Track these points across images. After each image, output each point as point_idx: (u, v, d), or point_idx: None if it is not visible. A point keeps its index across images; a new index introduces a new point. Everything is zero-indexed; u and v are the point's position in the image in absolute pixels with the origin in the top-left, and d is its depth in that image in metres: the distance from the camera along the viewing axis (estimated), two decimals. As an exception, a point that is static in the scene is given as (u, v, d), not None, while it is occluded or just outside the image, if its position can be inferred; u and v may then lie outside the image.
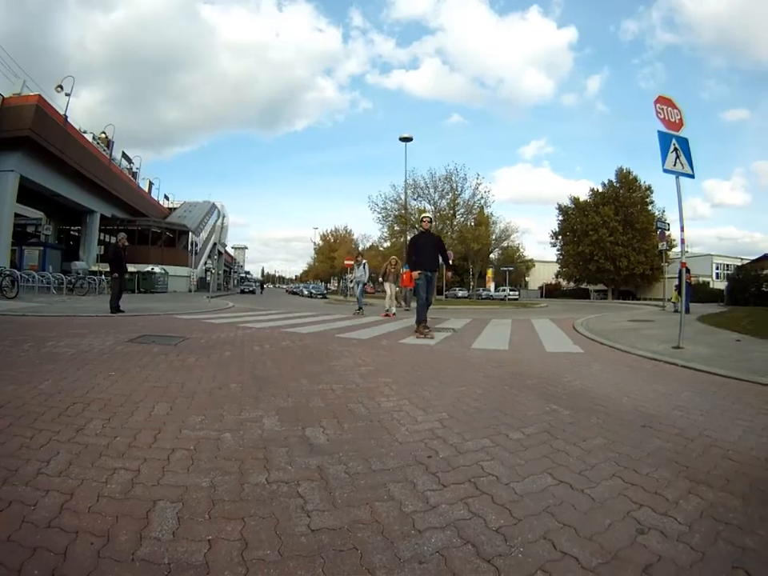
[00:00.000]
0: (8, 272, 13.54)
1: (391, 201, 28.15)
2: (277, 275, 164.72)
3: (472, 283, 39.88)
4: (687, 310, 7.85)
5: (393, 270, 12.10)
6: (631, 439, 2.27)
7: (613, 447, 2.15)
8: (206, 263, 39.33)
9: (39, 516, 1.41)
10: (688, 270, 7.57)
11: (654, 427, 2.47)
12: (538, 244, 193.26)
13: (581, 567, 1.24)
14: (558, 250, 45.92)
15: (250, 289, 41.18)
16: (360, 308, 11.69)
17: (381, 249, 30.31)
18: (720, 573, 1.22)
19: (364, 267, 12.31)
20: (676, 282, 15.05)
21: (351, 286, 18.79)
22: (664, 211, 37.12)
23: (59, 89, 23.26)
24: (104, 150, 29.96)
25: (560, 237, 44.95)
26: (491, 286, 43.52)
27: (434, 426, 2.42)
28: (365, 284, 13.16)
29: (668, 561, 1.27)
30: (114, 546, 1.27)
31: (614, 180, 42.50)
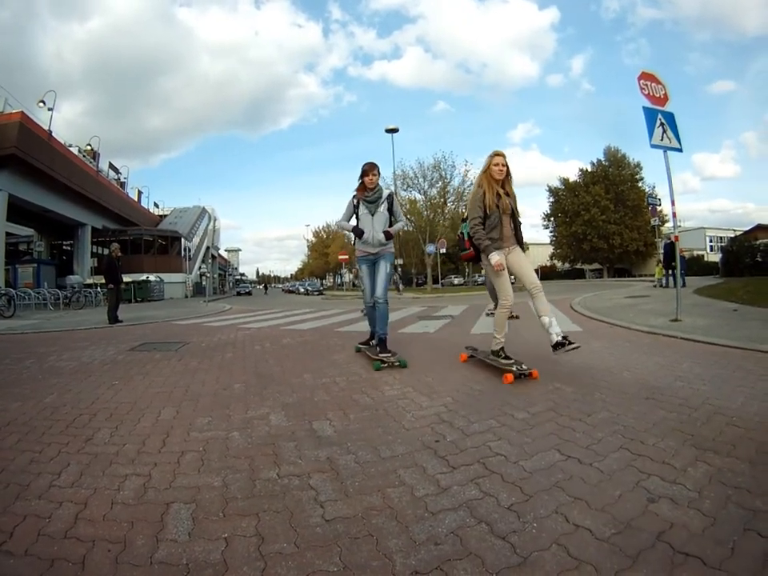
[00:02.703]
0: (3, 291, 13.46)
1: (381, 193, 27.94)
2: (272, 275, 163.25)
3: (467, 270, 39.86)
4: (684, 284, 7.89)
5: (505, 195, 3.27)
6: (636, 411, 2.29)
7: (618, 420, 2.17)
8: (200, 268, 39.27)
9: (55, 528, 1.41)
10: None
11: (657, 398, 2.49)
12: (531, 227, 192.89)
13: (595, 538, 1.25)
14: (550, 232, 45.89)
15: (246, 290, 41.93)
16: (380, 344, 3.75)
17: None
18: (732, 536, 1.23)
19: (389, 209, 3.86)
20: (659, 257, 15.18)
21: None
22: (654, 187, 37.13)
23: (41, 104, 23.02)
24: (90, 162, 29.72)
25: (552, 219, 44.87)
26: (487, 272, 43.39)
27: (439, 411, 2.44)
28: (393, 263, 4.13)
29: (680, 527, 1.28)
30: (131, 551, 1.28)
31: (602, 159, 42.47)
